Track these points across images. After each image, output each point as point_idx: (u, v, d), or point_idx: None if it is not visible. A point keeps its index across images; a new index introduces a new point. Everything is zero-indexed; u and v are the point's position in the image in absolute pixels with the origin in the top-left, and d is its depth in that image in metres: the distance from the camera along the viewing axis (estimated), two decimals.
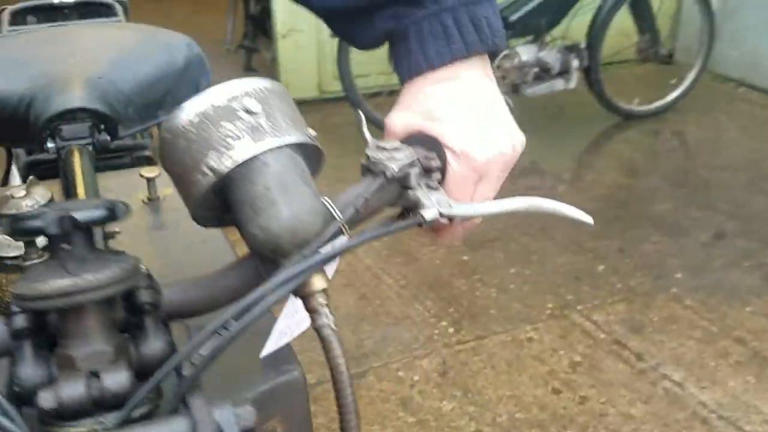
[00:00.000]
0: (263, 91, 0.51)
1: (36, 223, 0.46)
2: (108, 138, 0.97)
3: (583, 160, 3.73)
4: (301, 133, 0.51)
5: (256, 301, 0.47)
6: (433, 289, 2.50)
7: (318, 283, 0.50)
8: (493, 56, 0.68)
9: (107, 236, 0.80)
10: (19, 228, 0.47)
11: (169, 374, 0.46)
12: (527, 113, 4.15)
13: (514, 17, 3.69)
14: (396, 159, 0.56)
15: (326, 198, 0.54)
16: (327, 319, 0.50)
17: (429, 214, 0.57)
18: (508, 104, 0.73)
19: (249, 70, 4.12)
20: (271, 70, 4.21)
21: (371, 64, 3.64)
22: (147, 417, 0.47)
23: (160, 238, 0.98)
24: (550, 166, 3.47)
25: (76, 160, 0.95)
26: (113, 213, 0.48)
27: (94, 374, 0.46)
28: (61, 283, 0.44)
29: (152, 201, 1.03)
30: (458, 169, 0.63)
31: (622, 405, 1.99)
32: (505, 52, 3.68)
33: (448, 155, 0.63)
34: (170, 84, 1.09)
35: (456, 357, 2.16)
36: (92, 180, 0.93)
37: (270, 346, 0.69)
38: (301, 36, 4.07)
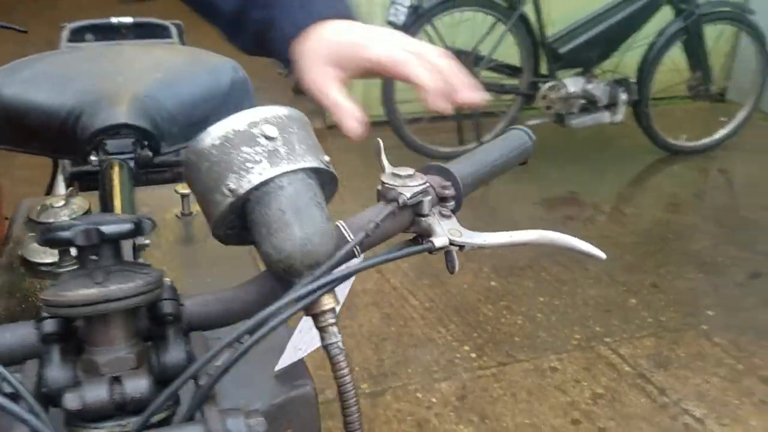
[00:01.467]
0: (282, 118, 0.54)
1: (65, 235, 0.48)
2: (150, 154, 1.01)
3: (625, 193, 3.72)
4: (315, 158, 0.54)
5: (269, 317, 0.49)
6: (458, 313, 2.53)
7: (327, 302, 0.53)
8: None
9: (138, 248, 0.85)
10: (50, 238, 0.49)
11: (186, 383, 0.48)
12: (572, 143, 4.17)
13: (564, 49, 3.72)
14: (409, 186, 0.59)
15: (341, 222, 0.58)
16: (335, 338, 0.52)
17: (440, 241, 0.60)
18: None
19: (297, 93, 4.25)
20: None
21: (414, 91, 3.68)
22: (165, 423, 0.50)
23: (189, 252, 1.04)
24: (590, 197, 3.47)
25: (116, 174, 1.00)
26: (139, 228, 0.52)
27: (117, 379, 0.48)
28: (85, 292, 0.47)
29: (185, 216, 1.09)
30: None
31: None
32: (552, 83, 3.71)
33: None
34: (214, 104, 1.13)
35: (476, 382, 2.19)
36: (129, 194, 0.99)
37: (284, 361, 0.74)
38: None
